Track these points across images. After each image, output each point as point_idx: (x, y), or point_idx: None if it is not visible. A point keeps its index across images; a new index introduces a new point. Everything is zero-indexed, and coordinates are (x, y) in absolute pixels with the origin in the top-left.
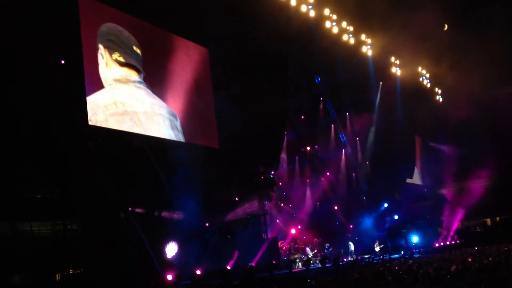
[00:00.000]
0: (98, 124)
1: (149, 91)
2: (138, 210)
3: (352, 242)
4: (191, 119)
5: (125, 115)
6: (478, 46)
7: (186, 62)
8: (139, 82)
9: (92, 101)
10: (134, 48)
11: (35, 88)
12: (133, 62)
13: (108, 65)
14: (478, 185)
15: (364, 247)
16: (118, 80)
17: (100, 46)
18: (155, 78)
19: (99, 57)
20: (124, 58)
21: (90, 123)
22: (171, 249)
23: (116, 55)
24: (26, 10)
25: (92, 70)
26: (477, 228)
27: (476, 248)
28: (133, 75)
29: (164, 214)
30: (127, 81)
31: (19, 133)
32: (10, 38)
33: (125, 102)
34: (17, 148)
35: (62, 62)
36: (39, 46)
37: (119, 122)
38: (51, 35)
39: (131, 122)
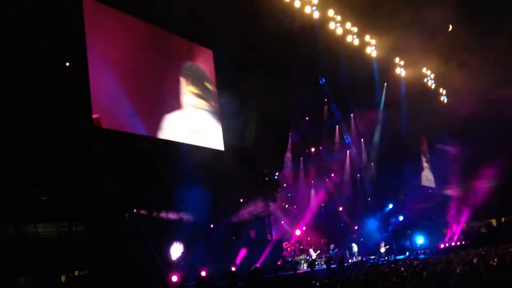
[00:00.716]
0: (162, 137)
1: (211, 117)
2: (143, 211)
3: (356, 243)
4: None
5: (189, 132)
6: (484, 46)
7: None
8: (206, 110)
9: (168, 117)
10: (205, 83)
11: (41, 91)
12: (202, 94)
13: (185, 93)
14: (483, 185)
15: (369, 248)
16: (191, 105)
17: (181, 78)
18: None
19: (179, 85)
20: (195, 89)
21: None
22: (176, 251)
23: (190, 87)
24: (31, 13)
25: (96, 71)
26: (483, 229)
27: (481, 249)
28: (202, 103)
29: (169, 215)
30: (197, 107)
31: (25, 136)
32: (16, 41)
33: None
34: (22, 151)
35: (67, 64)
36: (44, 49)
37: (183, 137)
38: (56, 38)
39: (192, 138)
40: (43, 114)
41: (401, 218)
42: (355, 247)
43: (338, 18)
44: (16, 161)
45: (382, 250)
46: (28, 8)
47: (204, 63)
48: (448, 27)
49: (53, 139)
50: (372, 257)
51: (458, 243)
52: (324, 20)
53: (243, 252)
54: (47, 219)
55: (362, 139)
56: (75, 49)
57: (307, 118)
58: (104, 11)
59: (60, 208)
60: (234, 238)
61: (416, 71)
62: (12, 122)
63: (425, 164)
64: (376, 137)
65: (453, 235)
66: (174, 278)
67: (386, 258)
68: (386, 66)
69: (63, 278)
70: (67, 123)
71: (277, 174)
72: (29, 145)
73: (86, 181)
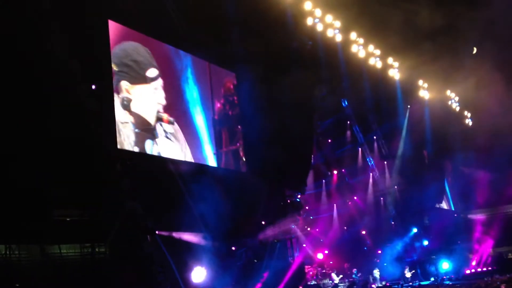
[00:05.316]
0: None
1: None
2: (165, 233)
3: (380, 268)
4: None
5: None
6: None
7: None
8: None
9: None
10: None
11: (68, 113)
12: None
13: None
14: (510, 209)
15: (393, 273)
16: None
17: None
18: None
19: None
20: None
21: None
22: (198, 273)
23: None
24: (59, 37)
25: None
26: (510, 254)
27: (508, 275)
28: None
29: (191, 238)
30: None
31: (51, 157)
32: (44, 66)
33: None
34: (48, 172)
35: (93, 87)
36: (72, 73)
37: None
38: (83, 61)
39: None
40: (69, 136)
41: (425, 242)
42: (376, 273)
43: (361, 41)
44: (40, 182)
45: (408, 275)
46: (53, 29)
47: (229, 87)
48: (473, 50)
49: (77, 160)
50: (396, 282)
51: (485, 269)
52: (347, 42)
53: (265, 275)
54: (71, 240)
55: (385, 162)
56: (101, 71)
57: (329, 141)
58: (128, 35)
59: (84, 229)
60: (256, 261)
61: (440, 93)
62: (36, 143)
63: (448, 187)
64: (399, 160)
65: (480, 260)
66: None
67: (411, 283)
68: (409, 89)
69: None
70: (91, 144)
71: (299, 196)
72: (53, 166)
73: (109, 202)
